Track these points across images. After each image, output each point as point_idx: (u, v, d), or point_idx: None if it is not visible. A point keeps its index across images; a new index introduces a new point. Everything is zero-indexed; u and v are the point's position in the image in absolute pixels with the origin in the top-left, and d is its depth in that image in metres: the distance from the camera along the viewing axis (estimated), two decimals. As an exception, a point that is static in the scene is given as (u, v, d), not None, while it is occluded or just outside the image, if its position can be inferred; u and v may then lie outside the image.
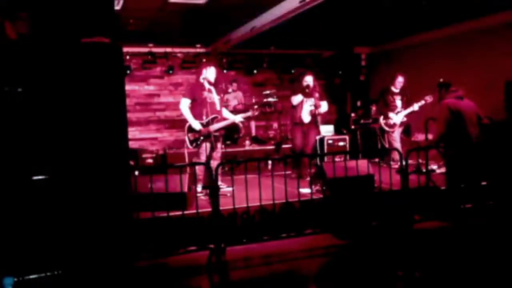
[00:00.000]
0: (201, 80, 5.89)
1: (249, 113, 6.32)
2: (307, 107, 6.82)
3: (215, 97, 5.96)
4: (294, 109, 6.94)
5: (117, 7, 6.03)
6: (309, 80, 6.83)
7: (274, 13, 6.68)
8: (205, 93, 5.82)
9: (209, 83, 5.89)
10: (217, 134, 5.89)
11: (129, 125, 4.52)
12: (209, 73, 5.90)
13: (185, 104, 5.86)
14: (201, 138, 5.79)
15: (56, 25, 3.99)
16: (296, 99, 6.85)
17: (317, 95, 6.71)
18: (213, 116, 5.83)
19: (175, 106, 10.14)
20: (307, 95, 6.80)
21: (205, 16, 7.04)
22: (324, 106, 6.79)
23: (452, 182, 4.83)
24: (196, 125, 5.78)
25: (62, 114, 4.03)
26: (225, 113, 6.22)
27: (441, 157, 6.07)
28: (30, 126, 3.93)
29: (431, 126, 7.01)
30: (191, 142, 5.85)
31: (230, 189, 5.39)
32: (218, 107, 5.97)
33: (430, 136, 7.06)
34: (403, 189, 5.13)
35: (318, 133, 7.00)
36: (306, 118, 6.82)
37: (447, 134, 4.92)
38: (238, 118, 6.13)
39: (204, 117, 5.79)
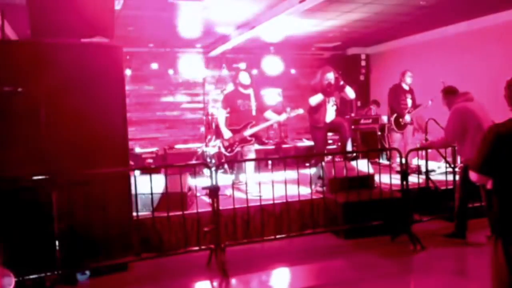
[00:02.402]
0: (238, 87, 6.09)
1: (297, 112, 6.24)
2: (330, 108, 6.30)
3: (252, 103, 6.06)
4: (314, 111, 6.33)
5: (118, 7, 6.02)
6: (330, 77, 6.20)
7: (274, 12, 6.67)
8: (239, 102, 6.01)
9: (244, 87, 6.05)
10: (252, 138, 6.01)
11: (129, 125, 4.51)
12: (241, 77, 6.07)
13: (221, 115, 6.14)
14: (235, 144, 5.96)
15: (56, 25, 3.99)
16: (316, 99, 6.21)
17: (337, 93, 6.31)
18: (246, 123, 5.96)
19: (175, 106, 10.19)
20: (329, 94, 6.25)
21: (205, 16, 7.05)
22: (352, 92, 6.31)
23: (465, 183, 4.65)
24: (226, 133, 5.99)
25: (62, 114, 4.03)
26: (269, 114, 6.27)
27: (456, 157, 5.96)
28: (30, 126, 3.93)
29: (431, 126, 7.00)
30: (225, 149, 6.05)
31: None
32: (254, 112, 6.07)
33: (429, 137, 7.04)
34: (403, 189, 5.12)
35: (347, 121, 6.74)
36: (330, 119, 6.34)
37: (458, 138, 4.73)
38: (283, 117, 6.22)
39: (237, 126, 5.98)
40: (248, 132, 5.96)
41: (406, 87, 7.31)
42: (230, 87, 8.01)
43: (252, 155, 6.04)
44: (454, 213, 4.96)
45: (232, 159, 6.09)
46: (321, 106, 6.28)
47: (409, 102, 7.26)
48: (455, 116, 4.71)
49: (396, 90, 7.35)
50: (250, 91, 6.11)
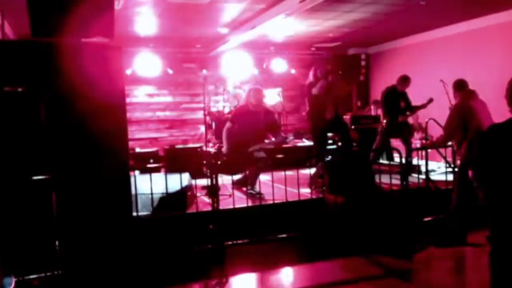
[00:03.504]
0: (249, 106, 6.03)
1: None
2: (329, 106, 6.28)
3: (260, 122, 6.03)
4: (319, 103, 6.25)
5: (118, 7, 6.02)
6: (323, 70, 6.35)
7: (274, 13, 6.67)
8: (250, 118, 5.94)
9: (255, 105, 6.00)
10: (258, 153, 5.96)
11: (129, 125, 4.52)
12: (253, 95, 6.01)
13: (227, 128, 6.05)
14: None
15: (56, 25, 3.99)
16: (319, 86, 6.18)
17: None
18: (250, 140, 5.93)
19: (175, 106, 10.19)
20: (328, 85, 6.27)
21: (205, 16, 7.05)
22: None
23: (463, 183, 4.64)
24: (224, 148, 5.98)
25: (62, 114, 4.03)
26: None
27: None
28: (30, 126, 3.93)
29: (431, 126, 7.01)
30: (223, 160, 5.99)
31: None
32: (261, 131, 6.07)
33: (429, 137, 7.03)
34: (403, 189, 5.13)
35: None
36: (330, 117, 6.29)
37: (456, 135, 4.72)
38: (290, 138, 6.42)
39: (242, 140, 5.92)
40: (255, 148, 5.93)
41: (400, 92, 7.10)
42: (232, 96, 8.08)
43: (261, 155, 5.96)
44: (452, 213, 4.95)
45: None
46: (321, 103, 6.27)
47: (403, 104, 7.08)
48: (453, 112, 4.72)
49: (393, 95, 7.12)
50: (260, 109, 6.07)
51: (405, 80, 7.05)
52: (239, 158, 5.91)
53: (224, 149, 6.01)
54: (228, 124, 6.11)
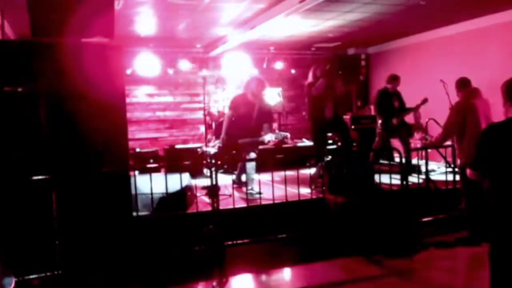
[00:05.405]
0: (248, 94, 5.94)
1: (283, 135, 6.33)
2: (329, 105, 6.22)
3: (254, 113, 5.92)
4: (318, 102, 6.21)
5: (118, 7, 6.02)
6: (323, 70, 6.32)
7: (274, 13, 6.67)
8: (245, 109, 5.88)
9: (255, 96, 5.92)
10: (250, 153, 5.85)
11: (129, 125, 4.51)
12: (255, 86, 5.91)
13: (227, 116, 6.00)
14: (230, 150, 5.85)
15: (56, 25, 3.99)
16: (319, 86, 6.12)
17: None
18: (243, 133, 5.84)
19: (175, 106, 10.19)
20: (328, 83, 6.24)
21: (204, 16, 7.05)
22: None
23: (467, 184, 4.60)
24: (220, 139, 5.91)
25: (62, 114, 4.03)
26: (265, 129, 6.07)
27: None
28: (30, 126, 3.94)
29: (431, 126, 7.01)
30: (219, 150, 5.99)
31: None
32: (253, 122, 5.94)
33: (429, 137, 7.02)
34: (403, 189, 5.13)
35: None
36: (330, 116, 6.23)
37: (456, 134, 4.71)
38: (267, 138, 5.90)
39: (234, 131, 5.85)
40: (244, 140, 5.86)
41: (391, 92, 7.09)
42: (231, 88, 8.03)
43: (253, 155, 5.91)
44: (464, 217, 4.88)
45: (233, 159, 6.08)
46: (321, 101, 6.25)
47: (397, 105, 7.06)
48: (453, 111, 4.72)
49: (386, 95, 7.10)
50: (257, 102, 5.96)
51: (394, 79, 7.05)
52: (231, 151, 5.86)
53: (221, 139, 5.93)
54: (229, 112, 6.04)
